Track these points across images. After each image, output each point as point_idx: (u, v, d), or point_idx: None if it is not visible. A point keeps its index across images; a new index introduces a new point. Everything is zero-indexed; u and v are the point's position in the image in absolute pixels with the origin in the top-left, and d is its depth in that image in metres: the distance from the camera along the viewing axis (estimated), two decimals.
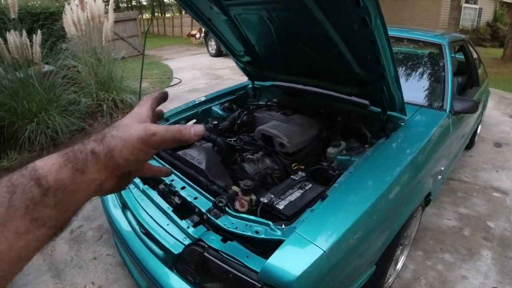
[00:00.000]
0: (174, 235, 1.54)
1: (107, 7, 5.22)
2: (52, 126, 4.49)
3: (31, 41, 4.34)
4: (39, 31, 4.29)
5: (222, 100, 2.74)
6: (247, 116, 2.33)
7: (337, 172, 1.69)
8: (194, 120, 2.63)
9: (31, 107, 4.40)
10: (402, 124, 1.95)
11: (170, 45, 14.05)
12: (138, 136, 0.42)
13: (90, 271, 2.45)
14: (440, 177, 2.25)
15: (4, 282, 0.34)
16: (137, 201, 1.80)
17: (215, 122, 2.37)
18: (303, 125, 2.08)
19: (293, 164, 1.93)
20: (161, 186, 1.81)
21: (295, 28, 1.81)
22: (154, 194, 1.78)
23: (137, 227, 1.76)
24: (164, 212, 1.66)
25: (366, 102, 2.03)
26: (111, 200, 2.06)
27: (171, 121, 2.45)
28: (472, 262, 2.40)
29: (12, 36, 3.97)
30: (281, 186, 1.59)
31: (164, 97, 0.54)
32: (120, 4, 27.86)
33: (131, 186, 1.90)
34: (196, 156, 1.83)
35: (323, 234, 1.23)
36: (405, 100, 1.93)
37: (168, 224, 1.62)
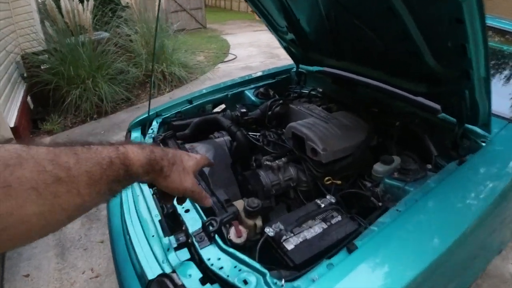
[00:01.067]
0: (155, 252, 1.22)
1: None
2: (98, 93, 4.47)
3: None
4: None
5: (259, 84, 2.33)
6: (280, 107, 1.90)
7: (381, 203, 1.21)
8: (223, 106, 2.26)
9: (80, 73, 4.39)
10: (484, 144, 1.38)
11: (233, 20, 13.70)
12: (184, 188, 0.63)
13: (94, 255, 2.29)
14: None
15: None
16: (133, 199, 1.51)
17: (244, 110, 1.97)
18: (347, 127, 1.60)
19: (327, 178, 1.48)
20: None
21: None
22: (148, 195, 1.48)
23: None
24: (152, 220, 1.35)
25: (437, 106, 1.48)
26: None
27: (195, 104, 2.11)
28: None
29: (64, 1, 3.92)
30: (299, 213, 1.17)
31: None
32: None
33: None
34: (202, 153, 1.47)
35: None
36: None
37: (153, 236, 1.31)
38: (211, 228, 1.12)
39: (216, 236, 1.09)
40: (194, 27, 10.96)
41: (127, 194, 1.55)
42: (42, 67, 4.38)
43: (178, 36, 5.91)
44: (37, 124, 4.28)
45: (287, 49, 2.21)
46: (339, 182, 1.50)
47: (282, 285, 0.87)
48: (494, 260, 2.19)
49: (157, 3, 4.15)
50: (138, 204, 1.47)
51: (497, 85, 1.96)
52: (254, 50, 7.92)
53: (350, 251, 0.92)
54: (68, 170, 0.42)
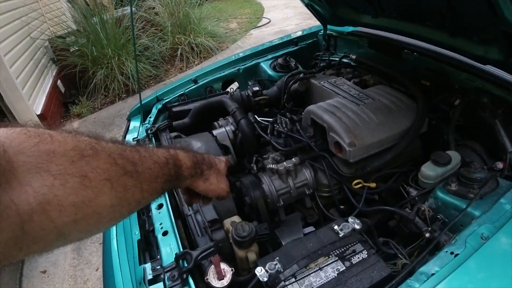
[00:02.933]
0: (132, 278, 0.98)
1: None
2: (125, 72, 4.31)
3: None
4: None
5: (278, 53, 1.93)
6: (298, 83, 1.50)
7: (428, 234, 0.82)
8: (237, 84, 1.91)
9: (105, 52, 4.24)
10: None
11: None
12: (221, 189, 0.70)
13: None
14: None
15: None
16: None
17: (256, 89, 1.60)
18: (387, 110, 1.18)
19: (356, 181, 1.10)
20: None
21: None
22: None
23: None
24: (131, 237, 1.10)
25: None
26: None
27: (201, 83, 1.79)
28: None
29: None
30: (307, 244, 0.83)
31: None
32: None
33: None
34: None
35: None
36: None
37: (133, 257, 1.06)
38: (185, 264, 0.83)
39: (190, 278, 0.81)
40: None
41: None
42: (70, 50, 4.30)
43: (209, 3, 5.52)
44: (68, 108, 4.26)
45: (310, 7, 1.77)
46: (373, 185, 1.12)
47: None
48: None
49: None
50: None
51: None
52: (289, 12, 7.27)
53: None
54: (135, 165, 0.44)
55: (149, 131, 1.45)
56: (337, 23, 1.77)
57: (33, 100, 3.65)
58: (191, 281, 0.80)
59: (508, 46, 0.94)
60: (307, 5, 1.76)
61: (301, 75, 1.57)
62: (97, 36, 4.19)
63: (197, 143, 1.18)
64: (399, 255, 0.84)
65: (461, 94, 1.20)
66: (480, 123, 1.11)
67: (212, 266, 0.81)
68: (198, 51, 5.04)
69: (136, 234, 1.09)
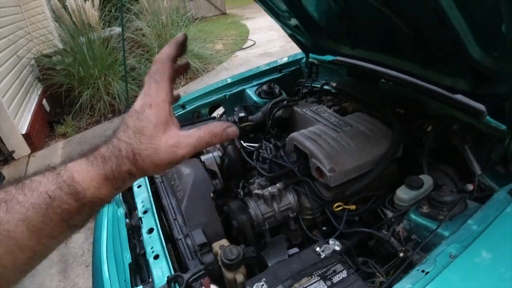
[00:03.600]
0: None
1: None
2: (111, 92, 4.34)
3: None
4: None
5: (263, 80, 2.02)
6: (282, 110, 1.59)
7: (402, 253, 0.89)
8: (222, 109, 1.98)
9: (91, 72, 4.27)
10: None
11: (254, 3, 13.17)
12: (169, 161, 0.43)
13: None
14: None
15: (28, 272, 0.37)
16: (107, 233, 1.31)
17: (242, 114, 1.68)
18: (364, 136, 1.27)
19: (336, 204, 1.17)
20: (134, 218, 1.26)
21: None
22: (122, 228, 1.26)
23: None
24: (122, 261, 1.13)
25: (481, 107, 1.11)
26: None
27: (189, 109, 1.85)
28: None
29: (69, 0, 3.77)
30: (291, 265, 0.88)
31: (182, 43, 0.49)
32: None
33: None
34: (181, 179, 1.21)
35: None
36: None
37: (124, 280, 1.09)
38: (177, 287, 0.87)
39: None
40: (213, 14, 10.65)
41: (106, 225, 1.35)
42: (56, 68, 4.31)
43: (193, 25, 5.65)
44: (53, 127, 4.24)
45: (293, 37, 1.88)
46: (352, 207, 1.19)
47: None
48: None
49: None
50: (115, 238, 1.26)
51: None
52: (274, 34, 7.50)
53: None
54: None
55: None
56: (318, 52, 1.89)
57: (19, 119, 3.63)
58: None
59: (474, 78, 1.05)
60: (290, 35, 1.87)
61: (285, 102, 1.66)
62: (84, 56, 4.22)
63: (186, 169, 1.23)
64: (377, 273, 0.90)
65: (433, 121, 1.29)
66: (451, 148, 1.21)
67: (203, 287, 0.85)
68: (184, 73, 5.12)
69: (127, 257, 1.12)
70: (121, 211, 1.34)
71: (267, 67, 2.09)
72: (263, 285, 0.83)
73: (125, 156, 0.41)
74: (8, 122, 3.39)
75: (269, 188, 1.14)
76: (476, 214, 0.87)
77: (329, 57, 1.89)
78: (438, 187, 1.06)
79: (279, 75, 2.05)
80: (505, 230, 0.81)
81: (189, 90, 4.71)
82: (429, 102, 1.32)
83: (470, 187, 1.07)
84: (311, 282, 0.84)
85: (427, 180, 1.08)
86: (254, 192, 1.13)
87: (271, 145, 1.41)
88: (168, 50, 0.47)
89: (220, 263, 0.94)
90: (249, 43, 7.11)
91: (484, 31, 0.82)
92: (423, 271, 0.75)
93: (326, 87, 1.82)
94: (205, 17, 7.68)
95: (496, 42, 0.82)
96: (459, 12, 0.81)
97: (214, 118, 1.79)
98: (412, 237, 0.94)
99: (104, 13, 4.66)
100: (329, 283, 0.83)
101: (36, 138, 3.75)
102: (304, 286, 0.83)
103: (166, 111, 0.45)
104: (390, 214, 1.09)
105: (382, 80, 1.54)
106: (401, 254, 0.88)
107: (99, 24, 4.28)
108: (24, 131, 3.57)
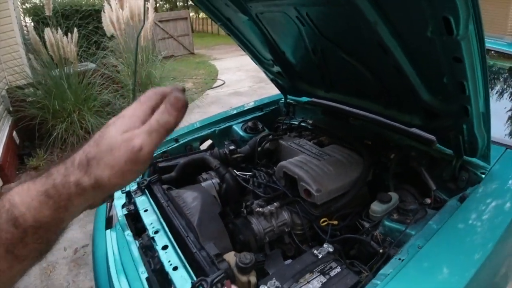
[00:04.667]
0: None
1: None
2: (85, 126, 4.37)
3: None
4: (75, 30, 4.16)
5: (247, 117, 2.27)
6: (270, 143, 1.83)
7: (381, 250, 1.13)
8: (210, 141, 2.19)
9: (65, 106, 4.30)
10: (483, 175, 1.33)
11: (220, 45, 13.86)
12: (125, 159, 0.36)
13: None
14: None
15: None
16: (118, 251, 1.41)
17: (232, 147, 1.90)
18: (341, 164, 1.54)
19: (322, 219, 1.40)
20: (144, 239, 1.39)
21: (334, 32, 1.30)
22: (134, 247, 1.38)
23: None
24: (138, 277, 1.25)
25: (432, 137, 1.43)
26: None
27: (181, 142, 2.04)
28: None
29: (47, 34, 3.87)
30: (295, 266, 1.08)
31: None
32: (177, 3, 28.57)
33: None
34: (189, 202, 1.38)
35: None
36: None
37: None
38: None
39: None
40: (182, 53, 11.05)
41: (112, 246, 1.45)
42: (27, 101, 4.28)
43: (165, 64, 5.89)
44: (23, 160, 4.15)
45: (274, 81, 2.18)
46: (335, 222, 1.42)
47: None
48: None
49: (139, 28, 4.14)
50: (124, 258, 1.37)
51: (494, 109, 1.95)
52: (242, 75, 7.97)
53: None
54: None
55: (141, 184, 1.64)
56: (296, 94, 2.19)
57: None
58: None
59: (425, 115, 1.36)
60: (272, 80, 2.17)
61: (270, 136, 1.91)
62: (59, 89, 4.24)
63: (193, 193, 1.41)
64: (363, 270, 1.12)
65: (395, 150, 1.60)
66: (411, 170, 1.51)
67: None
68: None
69: (143, 272, 1.25)
70: (128, 233, 1.47)
71: (250, 107, 2.36)
72: (275, 282, 1.02)
73: (78, 164, 0.36)
74: None
75: (268, 207, 1.35)
76: (435, 217, 1.15)
77: (305, 99, 2.21)
78: (402, 201, 1.34)
79: (261, 113, 2.32)
80: (457, 226, 1.08)
81: None
82: (391, 135, 1.63)
83: (428, 200, 1.37)
84: (313, 277, 1.04)
85: (394, 196, 1.35)
86: (256, 210, 1.34)
87: (263, 172, 1.63)
88: (166, 88, 0.43)
89: (235, 268, 1.11)
90: (218, 82, 7.47)
91: (432, 81, 1.13)
92: (399, 259, 0.99)
93: (303, 124, 2.11)
94: (174, 56, 7.98)
95: (441, 89, 1.13)
96: (412, 67, 1.12)
97: (205, 150, 1.99)
98: (387, 239, 1.19)
99: (82, 48, 4.78)
100: (327, 276, 1.04)
101: (8, 170, 3.67)
102: (308, 280, 1.03)
103: (134, 122, 0.38)
104: (367, 224, 1.34)
105: (351, 118, 1.85)
106: (381, 251, 1.12)
107: (76, 59, 4.38)
108: None
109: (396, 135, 1.60)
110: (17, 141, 4.42)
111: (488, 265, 1.04)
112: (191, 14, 13.18)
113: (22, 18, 5.68)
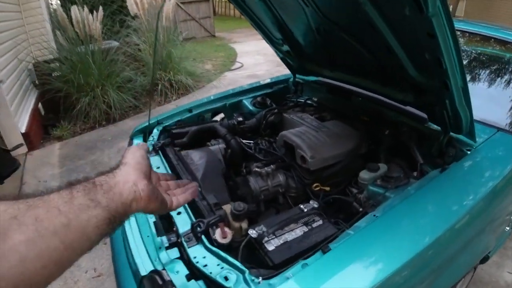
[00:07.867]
0: (149, 250, 1.29)
1: None
2: (107, 101, 4.60)
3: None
4: (100, 8, 4.35)
5: (257, 93, 2.40)
6: (274, 116, 1.97)
7: (362, 209, 1.26)
8: (222, 115, 2.34)
9: (89, 81, 4.54)
10: (469, 152, 1.42)
11: (241, 28, 13.87)
12: (136, 209, 0.59)
13: (97, 256, 2.37)
14: (508, 228, 1.66)
15: (76, 255, 0.49)
16: None
17: (240, 119, 2.04)
18: (337, 136, 1.66)
19: (315, 184, 1.54)
20: None
21: (333, 12, 1.40)
22: None
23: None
24: (147, 220, 1.43)
25: (424, 115, 1.53)
26: None
27: (195, 113, 2.20)
28: None
29: (74, 11, 4.07)
30: (282, 217, 1.23)
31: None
32: None
33: None
34: (196, 160, 1.54)
35: None
36: (479, 119, 1.41)
37: (148, 236, 1.38)
38: (198, 229, 1.19)
39: (203, 236, 1.16)
40: (203, 36, 11.18)
41: None
42: (53, 75, 4.55)
43: (185, 45, 6.05)
44: (48, 130, 4.44)
45: (283, 60, 2.29)
46: (327, 188, 1.55)
47: (259, 282, 0.94)
48: (489, 268, 2.21)
49: (159, 13, 4.29)
50: None
51: (491, 93, 2.01)
52: (260, 59, 8.04)
53: (324, 252, 0.97)
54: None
55: (156, 146, 1.81)
56: (304, 73, 2.30)
57: (18, 118, 3.83)
58: (204, 239, 1.15)
59: (416, 92, 1.46)
60: (281, 58, 2.28)
61: (276, 110, 2.04)
62: (84, 64, 4.48)
63: (201, 153, 1.57)
64: (343, 225, 1.26)
65: (390, 126, 1.70)
66: (403, 145, 1.61)
67: (218, 229, 1.18)
68: (177, 88, 5.47)
69: (151, 217, 1.42)
70: None
71: (260, 84, 2.48)
72: (262, 227, 1.17)
73: (133, 200, 0.57)
74: (10, 120, 3.59)
75: (265, 168, 1.49)
76: (414, 184, 1.26)
77: (312, 78, 2.31)
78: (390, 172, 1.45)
79: (271, 90, 2.44)
80: (433, 190, 1.20)
81: (180, 103, 5.03)
82: (387, 112, 1.73)
83: (415, 173, 1.47)
84: (297, 227, 1.18)
85: (382, 166, 1.47)
86: (254, 169, 1.48)
87: (265, 141, 1.78)
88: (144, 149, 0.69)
89: (229, 215, 1.27)
90: (237, 65, 7.58)
91: (416, 58, 1.23)
92: (374, 215, 1.11)
93: (309, 101, 2.23)
94: (195, 38, 8.12)
95: (425, 65, 1.23)
96: (400, 45, 1.22)
97: (216, 121, 2.14)
98: (370, 202, 1.32)
99: (107, 26, 4.99)
100: (309, 227, 1.18)
101: (34, 137, 3.96)
102: (292, 229, 1.17)
103: (147, 173, 0.63)
104: (355, 190, 1.46)
105: (353, 96, 1.95)
106: (361, 209, 1.25)
107: (100, 36, 4.59)
108: (23, 130, 3.77)
109: (391, 112, 1.70)
110: (42, 112, 4.72)
111: (455, 232, 1.15)
112: None
113: None
